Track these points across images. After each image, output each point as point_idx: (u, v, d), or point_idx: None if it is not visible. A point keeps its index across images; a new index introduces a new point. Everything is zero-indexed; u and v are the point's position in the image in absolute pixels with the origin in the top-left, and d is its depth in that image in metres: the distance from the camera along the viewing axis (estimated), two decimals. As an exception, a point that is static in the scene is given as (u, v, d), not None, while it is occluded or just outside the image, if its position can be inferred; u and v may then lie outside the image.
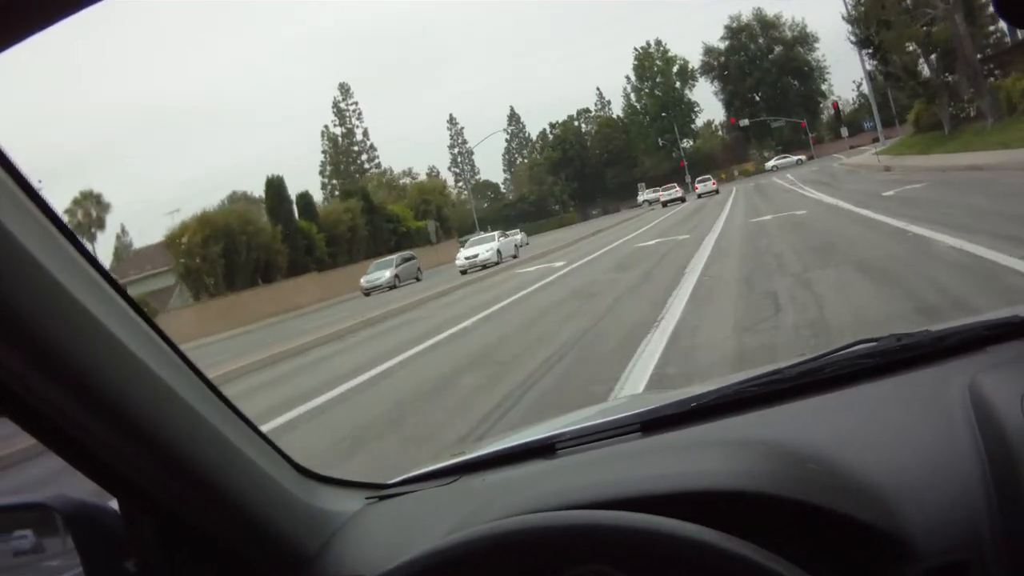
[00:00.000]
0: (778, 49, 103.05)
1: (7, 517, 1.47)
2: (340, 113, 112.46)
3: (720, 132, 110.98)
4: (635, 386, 6.91)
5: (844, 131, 65.54)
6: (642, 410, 1.50)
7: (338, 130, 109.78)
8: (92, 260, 1.01)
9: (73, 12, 0.75)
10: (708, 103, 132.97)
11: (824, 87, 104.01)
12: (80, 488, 1.27)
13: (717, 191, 65.39)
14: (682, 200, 67.34)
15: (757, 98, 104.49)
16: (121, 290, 1.05)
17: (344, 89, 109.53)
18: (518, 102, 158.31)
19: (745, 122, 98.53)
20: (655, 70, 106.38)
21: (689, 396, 1.49)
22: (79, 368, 0.96)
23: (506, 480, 1.45)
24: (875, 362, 1.39)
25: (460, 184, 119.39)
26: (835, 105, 70.72)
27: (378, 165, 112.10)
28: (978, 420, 1.09)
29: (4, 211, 0.88)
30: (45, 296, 0.92)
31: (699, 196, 66.07)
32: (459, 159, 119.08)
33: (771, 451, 1.19)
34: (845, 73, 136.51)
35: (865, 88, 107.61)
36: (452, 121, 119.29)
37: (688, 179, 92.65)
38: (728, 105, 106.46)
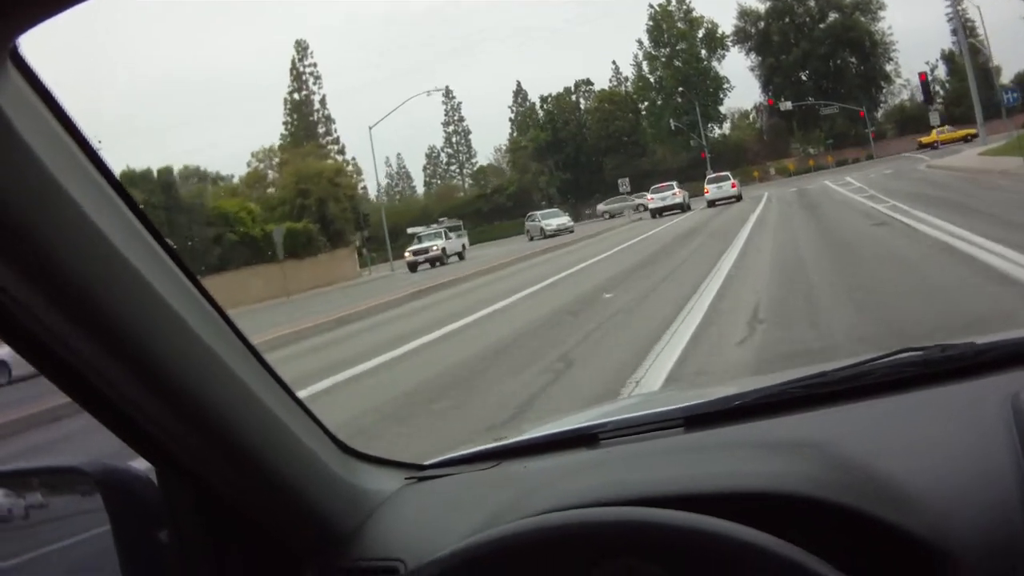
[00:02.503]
0: (833, 16, 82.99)
1: (40, 480, 1.49)
2: (298, 76, 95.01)
3: (755, 118, 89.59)
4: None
5: (934, 116, 44.91)
6: (686, 405, 1.54)
7: (297, 96, 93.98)
8: (143, 219, 1.01)
9: None
10: (741, 80, 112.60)
11: (889, 68, 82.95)
12: (106, 452, 1.31)
13: (739, 197, 46.81)
14: (682, 208, 49.31)
15: (804, 77, 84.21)
16: (172, 252, 1.05)
17: (301, 48, 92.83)
18: (526, 77, 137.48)
19: (788, 105, 78.05)
20: (675, 34, 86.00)
21: (733, 394, 1.51)
22: (127, 334, 0.98)
23: (547, 469, 1.46)
24: (919, 371, 1.41)
25: (455, 167, 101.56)
26: (923, 77, 50.02)
27: (336, 140, 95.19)
28: (1020, 435, 1.10)
29: (66, 174, 0.89)
30: (100, 261, 0.93)
31: (710, 204, 47.49)
32: (454, 139, 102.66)
33: (815, 454, 1.21)
34: (916, 51, 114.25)
35: (941, 70, 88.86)
36: (448, 94, 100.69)
37: (711, 173, 72.63)
38: (766, 83, 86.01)
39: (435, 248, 43.47)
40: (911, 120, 79.31)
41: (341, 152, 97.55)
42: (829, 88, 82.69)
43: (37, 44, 0.82)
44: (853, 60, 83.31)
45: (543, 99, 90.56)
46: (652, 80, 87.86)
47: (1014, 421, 1.13)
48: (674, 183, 51.59)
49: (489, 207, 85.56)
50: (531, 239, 48.10)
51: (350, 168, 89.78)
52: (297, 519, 1.27)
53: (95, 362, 0.99)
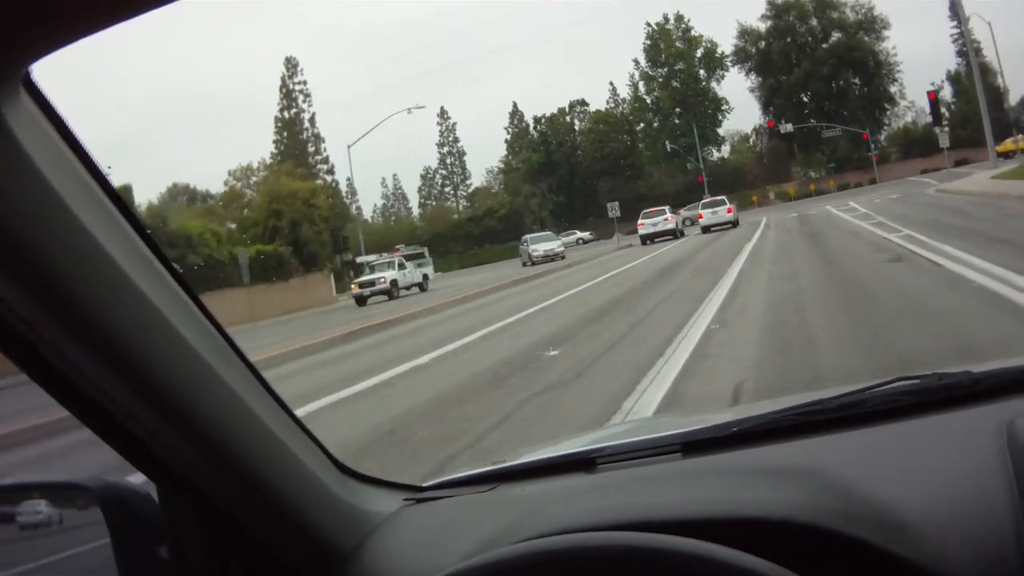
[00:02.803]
0: (836, 35, 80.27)
1: (40, 495, 1.49)
2: (288, 94, 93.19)
3: (755, 141, 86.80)
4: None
5: (943, 138, 42.10)
6: (683, 431, 1.56)
7: (287, 115, 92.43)
8: (148, 241, 1.04)
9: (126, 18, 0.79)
10: (741, 102, 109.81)
11: (893, 89, 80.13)
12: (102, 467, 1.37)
13: (735, 223, 43.94)
14: (674, 235, 45.97)
15: (805, 98, 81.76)
16: (174, 272, 1.08)
17: (291, 64, 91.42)
18: (522, 98, 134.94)
19: (788, 128, 75.14)
20: (673, 53, 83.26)
21: (730, 420, 1.54)
22: (131, 352, 1.00)
23: (545, 492, 1.47)
24: (915, 399, 1.43)
25: (448, 189, 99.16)
26: (932, 96, 47.26)
27: (326, 159, 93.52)
28: (1014, 464, 1.11)
29: (72, 196, 0.92)
30: (107, 283, 0.96)
31: (705, 230, 44.58)
32: (449, 160, 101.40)
33: (812, 481, 1.22)
34: (921, 72, 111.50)
35: (946, 92, 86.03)
36: (443, 115, 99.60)
37: (707, 198, 69.88)
38: (767, 105, 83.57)
39: (383, 280, 38.45)
40: (916, 143, 76.69)
41: (330, 172, 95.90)
42: (831, 110, 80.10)
43: (49, 68, 0.86)
44: (856, 81, 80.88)
45: (536, 120, 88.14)
46: (648, 101, 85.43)
47: (1008, 449, 1.14)
48: (666, 208, 48.39)
49: (480, 230, 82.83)
50: (524, 264, 45.57)
51: (343, 188, 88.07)
52: (296, 537, 1.27)
53: (97, 378, 1.01)
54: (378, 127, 51.25)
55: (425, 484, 1.61)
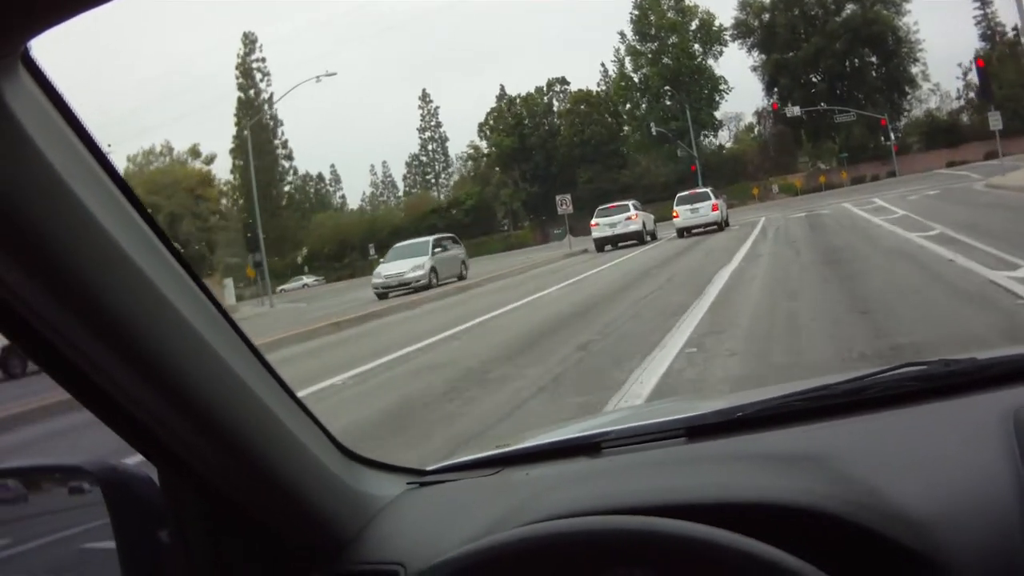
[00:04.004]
0: (851, 7, 69.78)
1: (42, 478, 1.52)
2: (246, 72, 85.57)
3: (758, 128, 76.79)
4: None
5: (995, 119, 32.68)
6: (688, 415, 1.57)
7: (245, 95, 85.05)
8: (150, 221, 1.03)
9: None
10: (742, 83, 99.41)
11: (915, 70, 70.21)
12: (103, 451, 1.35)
13: (721, 224, 34.51)
14: (640, 239, 35.23)
15: (815, 78, 71.23)
16: (178, 255, 1.07)
17: (249, 40, 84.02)
18: (510, 81, 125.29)
19: (795, 111, 65.19)
20: (664, 25, 73.11)
21: (734, 405, 1.54)
22: (133, 334, 0.99)
23: (550, 476, 1.47)
24: (922, 385, 1.43)
25: (430, 177, 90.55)
26: (980, 63, 37.77)
27: (285, 144, 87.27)
28: (1021, 451, 1.12)
29: (72, 175, 0.92)
30: (107, 262, 0.95)
31: (680, 233, 35.08)
32: (430, 146, 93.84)
33: (816, 467, 1.23)
34: (946, 50, 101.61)
35: (974, 76, 75.71)
36: (425, 98, 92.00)
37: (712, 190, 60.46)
38: (771, 85, 73.30)
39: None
40: (941, 131, 67.26)
41: (288, 157, 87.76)
42: (845, 92, 70.43)
43: (47, 45, 0.84)
44: (873, 60, 71.19)
45: (511, 100, 77.94)
46: (636, 79, 75.24)
47: (1015, 436, 1.14)
48: (630, 203, 37.44)
49: (445, 223, 73.04)
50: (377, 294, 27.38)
51: (326, 175, 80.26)
52: (299, 521, 1.28)
53: (100, 362, 1.00)
54: (283, 97, 41.25)
55: (429, 468, 1.60)
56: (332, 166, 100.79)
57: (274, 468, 1.21)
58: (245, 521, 1.24)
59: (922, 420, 1.34)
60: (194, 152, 67.51)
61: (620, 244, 35.02)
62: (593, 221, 36.73)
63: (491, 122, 78.35)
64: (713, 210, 34.48)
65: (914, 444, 1.26)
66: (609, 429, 1.61)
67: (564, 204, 41.05)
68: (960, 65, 72.62)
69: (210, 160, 72.24)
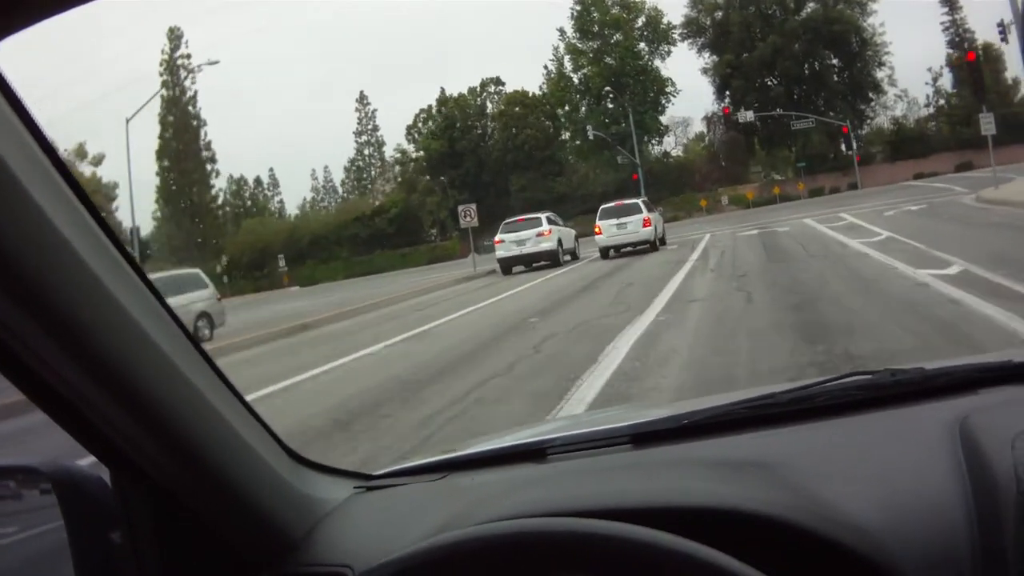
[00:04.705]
0: (811, 5, 64.02)
1: None
2: (171, 69, 78.88)
3: (708, 136, 70.80)
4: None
5: (988, 123, 26.98)
6: (633, 422, 1.57)
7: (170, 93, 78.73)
8: (103, 225, 1.04)
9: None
10: (690, 85, 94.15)
11: (881, 75, 64.61)
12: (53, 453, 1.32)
13: (655, 243, 28.50)
14: (554, 260, 28.60)
15: (771, 82, 65.48)
16: (130, 258, 1.09)
17: (175, 36, 77.14)
18: (451, 83, 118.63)
19: (749, 116, 59.22)
20: (607, 21, 66.54)
21: (681, 412, 1.55)
22: (84, 334, 1.00)
23: (495, 481, 1.49)
24: (868, 395, 1.44)
25: (365, 182, 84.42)
26: (971, 56, 32.48)
27: (208, 146, 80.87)
28: (967, 461, 1.14)
29: (32, 181, 0.93)
30: (60, 264, 0.96)
31: (604, 253, 28.58)
32: (367, 150, 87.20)
33: (762, 474, 1.24)
34: (913, 56, 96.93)
35: (945, 81, 70.64)
36: (362, 100, 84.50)
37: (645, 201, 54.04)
38: (722, 88, 67.17)
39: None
40: (907, 141, 61.68)
41: (212, 160, 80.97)
42: (803, 97, 64.74)
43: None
44: (835, 62, 65.24)
45: (441, 101, 71.10)
46: (576, 80, 68.66)
47: (961, 444, 1.17)
48: (543, 216, 30.30)
49: (368, 232, 66.53)
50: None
51: (264, 179, 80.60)
52: (247, 523, 1.28)
53: (51, 361, 1.01)
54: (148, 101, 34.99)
55: (376, 472, 1.61)
56: (271, 170, 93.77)
57: (223, 470, 1.21)
58: (195, 523, 1.24)
59: (868, 428, 1.35)
60: (80, 152, 60.67)
61: (533, 264, 28.56)
62: (497, 237, 29.58)
63: (419, 125, 71.62)
64: (645, 225, 28.20)
65: (860, 452, 1.26)
66: (554, 436, 1.60)
67: (467, 215, 33.96)
68: (930, 70, 67.41)
69: (98, 161, 66.92)
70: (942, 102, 66.00)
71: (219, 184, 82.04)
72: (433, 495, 1.50)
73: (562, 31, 69.00)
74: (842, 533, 1.06)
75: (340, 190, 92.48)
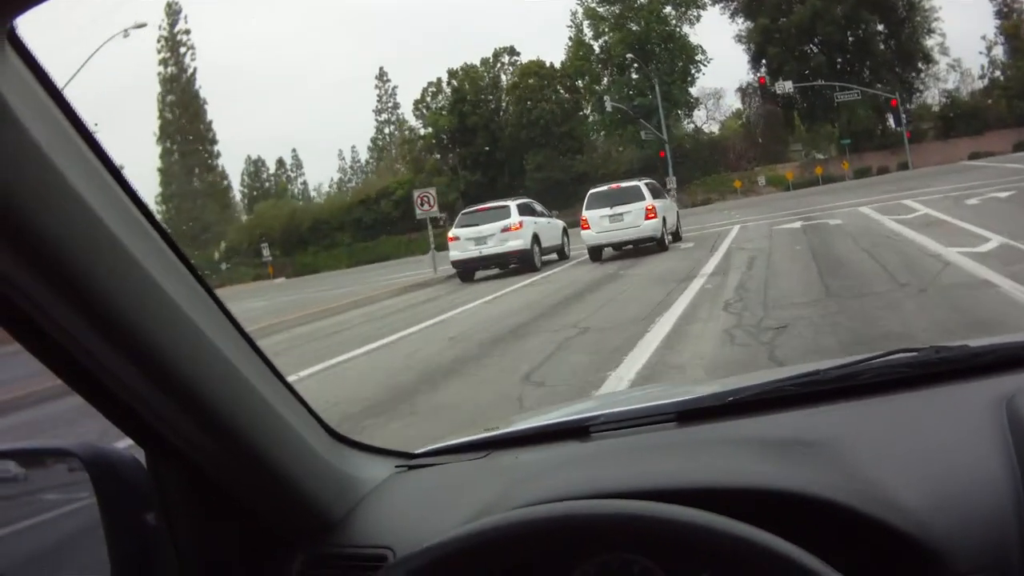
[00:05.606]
0: (855, -33, 57.43)
1: (31, 460, 1.54)
2: (170, 45, 75.72)
3: (745, 111, 64.64)
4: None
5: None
6: (678, 400, 1.56)
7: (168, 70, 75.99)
8: (136, 200, 1.03)
9: None
10: (722, 54, 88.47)
11: (931, 43, 58.31)
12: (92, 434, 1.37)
13: (663, 239, 21.59)
14: (528, 263, 21.91)
15: (811, 49, 59.04)
16: (168, 239, 1.08)
17: (172, 12, 74.55)
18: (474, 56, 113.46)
19: (788, 87, 53.27)
20: (631, -17, 60.37)
21: (726, 390, 1.53)
22: (121, 316, 0.99)
23: (538, 460, 1.48)
24: (913, 372, 1.44)
25: (385, 160, 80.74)
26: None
27: (209, 127, 78.02)
28: (1014, 439, 1.13)
29: (60, 154, 0.91)
30: (95, 244, 0.95)
31: (596, 254, 21.88)
32: (387, 129, 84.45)
33: (808, 452, 1.24)
34: (966, 23, 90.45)
35: (1000, 52, 64.38)
36: (382, 77, 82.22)
37: (671, 181, 48.27)
38: (757, 57, 60.98)
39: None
40: (961, 117, 55.21)
41: (213, 142, 77.37)
42: (847, 67, 58.39)
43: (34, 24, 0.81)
44: (882, 28, 58.82)
45: (451, 73, 65.48)
46: (596, 48, 62.72)
47: (1008, 424, 1.16)
48: (512, 204, 22.99)
49: (373, 217, 61.60)
50: None
51: (287, 161, 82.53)
52: (286, 504, 1.28)
53: (88, 344, 1.00)
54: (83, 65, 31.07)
55: (417, 451, 1.60)
56: (293, 151, 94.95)
57: (261, 450, 1.20)
58: (232, 503, 1.24)
59: (913, 406, 1.34)
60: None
61: (491, 267, 22.54)
62: (452, 232, 22.96)
63: (427, 99, 66.15)
64: (647, 217, 21.10)
65: (906, 431, 1.25)
66: (598, 413, 1.58)
67: (426, 202, 26.96)
68: (984, 38, 60.98)
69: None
70: (997, 73, 59.65)
71: (226, 165, 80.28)
72: (475, 474, 1.47)
73: (581, -6, 62.84)
74: (888, 514, 1.05)
75: (367, 171, 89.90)
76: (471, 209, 23.86)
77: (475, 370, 8.85)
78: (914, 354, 1.46)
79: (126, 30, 35.63)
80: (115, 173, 0.98)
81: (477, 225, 22.36)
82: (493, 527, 1.05)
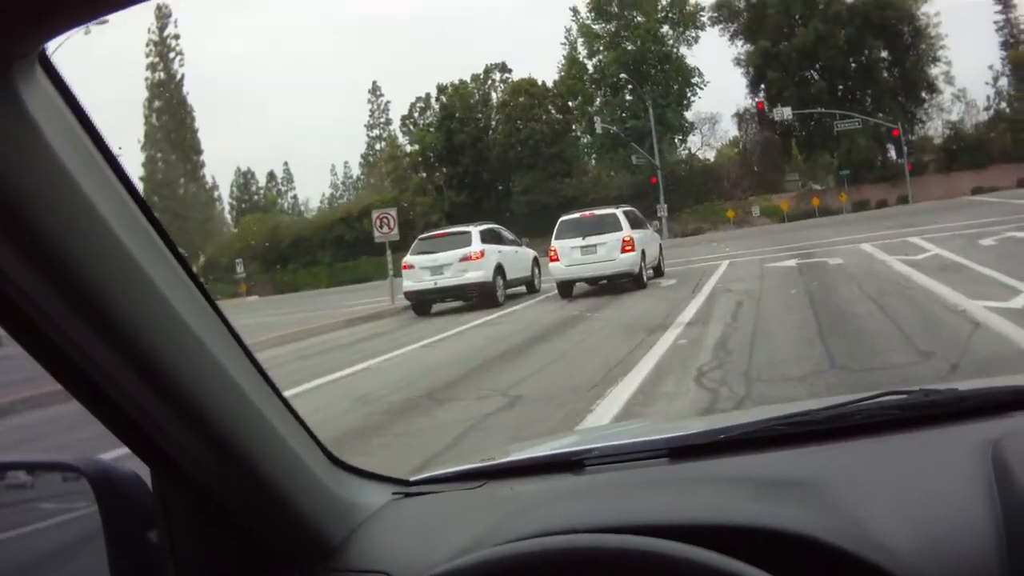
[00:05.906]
0: (858, -10, 55.64)
1: (32, 473, 1.54)
2: (160, 50, 74.15)
3: (742, 138, 62.64)
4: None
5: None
6: (671, 436, 1.59)
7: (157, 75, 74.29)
8: (154, 222, 1.05)
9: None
10: (719, 78, 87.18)
11: (935, 71, 56.59)
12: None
13: (639, 274, 18.96)
14: (491, 296, 19.28)
15: (812, 75, 57.21)
16: (178, 255, 1.09)
17: (163, 15, 72.33)
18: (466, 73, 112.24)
19: (786, 114, 51.43)
20: (627, 1, 58.24)
21: (717, 427, 1.56)
22: (130, 331, 1.00)
23: (533, 492, 1.50)
24: (903, 414, 1.46)
25: (373, 180, 78.41)
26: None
27: (195, 133, 76.97)
28: (998, 484, 1.15)
29: (84, 176, 0.93)
30: (112, 263, 0.97)
31: (563, 290, 19.37)
32: (378, 145, 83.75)
33: (799, 492, 1.26)
34: (972, 52, 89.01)
35: (1006, 82, 62.32)
36: (375, 91, 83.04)
37: (662, 209, 46.34)
38: (756, 82, 59.08)
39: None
40: (964, 150, 53.19)
41: (196, 151, 75.12)
42: (848, 94, 56.43)
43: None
44: (885, 55, 56.91)
45: (440, 88, 63.47)
46: (590, 67, 60.64)
47: (992, 468, 1.18)
48: (474, 230, 20.29)
49: (354, 235, 59.32)
50: None
51: (278, 173, 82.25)
52: (285, 525, 1.29)
53: (96, 356, 1.01)
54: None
55: (414, 479, 1.61)
56: (285, 164, 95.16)
57: (263, 471, 1.21)
58: (233, 523, 1.25)
59: (902, 449, 1.36)
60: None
61: (448, 299, 20.13)
62: (406, 260, 20.25)
63: (415, 115, 64.14)
64: (624, 250, 18.59)
65: (894, 473, 1.28)
66: (592, 447, 1.61)
67: (385, 223, 24.06)
68: (991, 67, 59.20)
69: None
70: (1003, 105, 57.78)
71: (216, 177, 79.10)
72: (471, 504, 1.49)
73: (575, 11, 61.13)
74: (876, 555, 1.07)
75: (359, 187, 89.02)
76: (428, 235, 21.33)
77: (357, 455, 6.60)
78: (903, 396, 1.49)
79: (87, 27, 33.80)
80: (135, 194, 1.01)
81: (434, 252, 19.87)
82: (493, 559, 1.07)
